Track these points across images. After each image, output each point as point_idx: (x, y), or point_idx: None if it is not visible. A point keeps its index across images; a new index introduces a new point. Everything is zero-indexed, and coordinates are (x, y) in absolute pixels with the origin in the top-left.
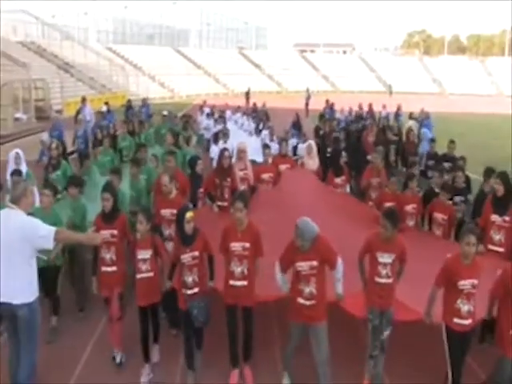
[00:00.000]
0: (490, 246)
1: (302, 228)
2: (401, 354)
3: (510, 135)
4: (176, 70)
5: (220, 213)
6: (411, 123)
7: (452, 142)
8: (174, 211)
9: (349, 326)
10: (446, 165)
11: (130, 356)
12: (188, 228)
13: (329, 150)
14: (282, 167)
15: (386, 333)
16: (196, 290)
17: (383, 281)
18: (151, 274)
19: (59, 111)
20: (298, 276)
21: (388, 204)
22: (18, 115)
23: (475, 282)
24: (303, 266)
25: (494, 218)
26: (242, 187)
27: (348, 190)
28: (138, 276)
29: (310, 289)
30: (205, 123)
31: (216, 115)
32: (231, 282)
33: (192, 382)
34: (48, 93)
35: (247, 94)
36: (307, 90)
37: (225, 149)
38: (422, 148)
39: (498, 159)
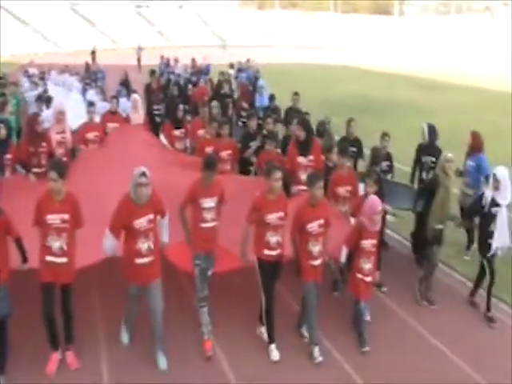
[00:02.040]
0: (300, 187)
1: (148, 176)
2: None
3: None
4: None
5: (38, 181)
6: (230, 72)
7: (296, 93)
8: None
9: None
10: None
11: None
12: None
13: (155, 107)
14: (111, 125)
15: (210, 272)
16: None
17: (209, 225)
18: None
19: None
20: (135, 234)
21: (208, 148)
22: None
23: (281, 214)
24: (141, 221)
25: (300, 159)
26: (60, 151)
27: (188, 143)
28: None
29: (148, 244)
30: (26, 86)
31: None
32: (48, 259)
33: None
34: None
35: (93, 53)
36: (138, 46)
37: (36, 113)
38: (260, 101)
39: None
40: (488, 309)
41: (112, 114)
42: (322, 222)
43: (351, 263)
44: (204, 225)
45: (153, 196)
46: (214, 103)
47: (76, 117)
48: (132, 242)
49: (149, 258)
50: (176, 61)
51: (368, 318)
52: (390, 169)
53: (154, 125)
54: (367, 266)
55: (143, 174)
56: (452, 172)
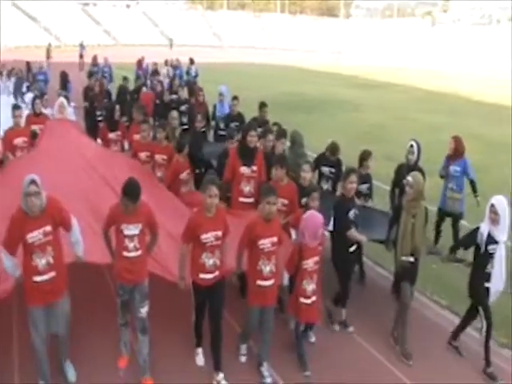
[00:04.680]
0: (242, 199)
1: (39, 184)
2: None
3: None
4: None
5: None
6: (164, 70)
7: (264, 104)
8: None
9: None
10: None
11: None
12: None
13: (98, 112)
14: (35, 128)
15: (144, 310)
16: None
17: (132, 254)
18: None
19: None
20: (30, 249)
21: (142, 153)
22: None
23: (218, 233)
24: (35, 235)
25: (243, 169)
26: None
27: (126, 146)
28: None
29: (46, 259)
30: None
31: None
32: None
33: None
34: None
35: (48, 51)
36: (81, 44)
37: None
38: (220, 110)
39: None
40: (487, 363)
41: (36, 116)
42: (275, 239)
43: (292, 285)
44: (126, 254)
45: (50, 206)
46: (174, 114)
47: (6, 123)
48: (28, 258)
49: (48, 274)
50: (105, 60)
51: (313, 339)
52: (370, 192)
53: (96, 131)
54: (310, 286)
55: (32, 182)
56: (415, 196)
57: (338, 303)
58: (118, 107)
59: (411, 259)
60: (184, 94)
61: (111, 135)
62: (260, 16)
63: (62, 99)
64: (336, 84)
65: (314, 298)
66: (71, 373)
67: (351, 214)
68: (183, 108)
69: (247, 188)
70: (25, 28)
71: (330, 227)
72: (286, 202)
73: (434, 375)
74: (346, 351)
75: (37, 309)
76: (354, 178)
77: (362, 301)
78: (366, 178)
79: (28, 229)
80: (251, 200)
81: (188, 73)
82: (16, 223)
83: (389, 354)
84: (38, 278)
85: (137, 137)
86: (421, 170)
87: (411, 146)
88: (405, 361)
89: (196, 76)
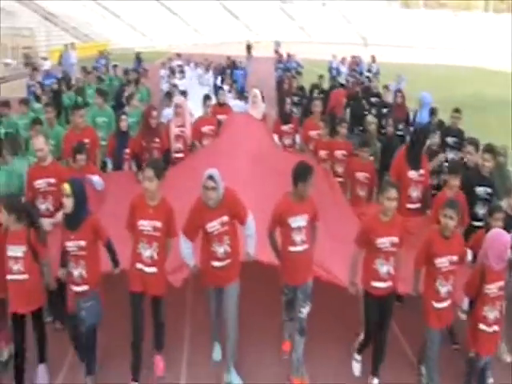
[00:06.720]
0: (409, 205)
1: (217, 179)
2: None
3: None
4: (156, 18)
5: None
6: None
7: (457, 110)
8: (51, 180)
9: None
10: (450, 140)
11: None
12: (65, 204)
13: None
14: (220, 117)
15: (305, 310)
16: (85, 287)
17: (298, 249)
18: (25, 276)
19: (45, 58)
20: (209, 237)
21: (323, 151)
22: (7, 60)
23: (394, 239)
24: (214, 224)
25: (412, 174)
26: (178, 145)
27: (298, 138)
28: (9, 277)
29: (224, 248)
30: (164, 78)
31: (176, 69)
32: (139, 266)
33: None
34: (33, 41)
35: (249, 48)
36: (276, 41)
37: (151, 107)
38: (421, 117)
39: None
40: None
41: (220, 106)
42: (454, 258)
43: (472, 310)
44: (293, 248)
45: (227, 198)
46: (370, 118)
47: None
48: (207, 245)
49: (225, 261)
50: (289, 56)
51: (490, 380)
52: None
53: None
54: (492, 314)
55: (210, 178)
56: None
57: None
58: (288, 100)
59: None
60: (388, 96)
61: (284, 127)
62: (458, 15)
63: (255, 90)
64: None
65: (496, 328)
66: (234, 377)
67: None
68: (385, 111)
69: (415, 193)
70: (228, 25)
71: None
72: None
73: None
74: None
75: (210, 289)
76: None
77: None
78: None
79: (207, 218)
80: (418, 206)
81: (369, 70)
82: (196, 212)
83: None
84: (216, 264)
85: (312, 133)
86: None
87: None
88: None
89: (377, 74)
